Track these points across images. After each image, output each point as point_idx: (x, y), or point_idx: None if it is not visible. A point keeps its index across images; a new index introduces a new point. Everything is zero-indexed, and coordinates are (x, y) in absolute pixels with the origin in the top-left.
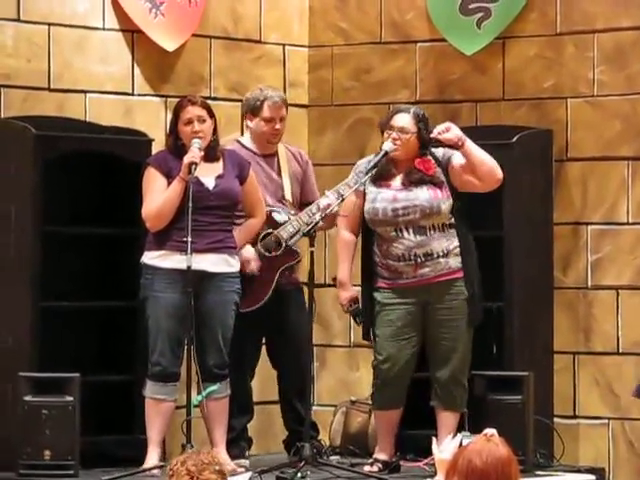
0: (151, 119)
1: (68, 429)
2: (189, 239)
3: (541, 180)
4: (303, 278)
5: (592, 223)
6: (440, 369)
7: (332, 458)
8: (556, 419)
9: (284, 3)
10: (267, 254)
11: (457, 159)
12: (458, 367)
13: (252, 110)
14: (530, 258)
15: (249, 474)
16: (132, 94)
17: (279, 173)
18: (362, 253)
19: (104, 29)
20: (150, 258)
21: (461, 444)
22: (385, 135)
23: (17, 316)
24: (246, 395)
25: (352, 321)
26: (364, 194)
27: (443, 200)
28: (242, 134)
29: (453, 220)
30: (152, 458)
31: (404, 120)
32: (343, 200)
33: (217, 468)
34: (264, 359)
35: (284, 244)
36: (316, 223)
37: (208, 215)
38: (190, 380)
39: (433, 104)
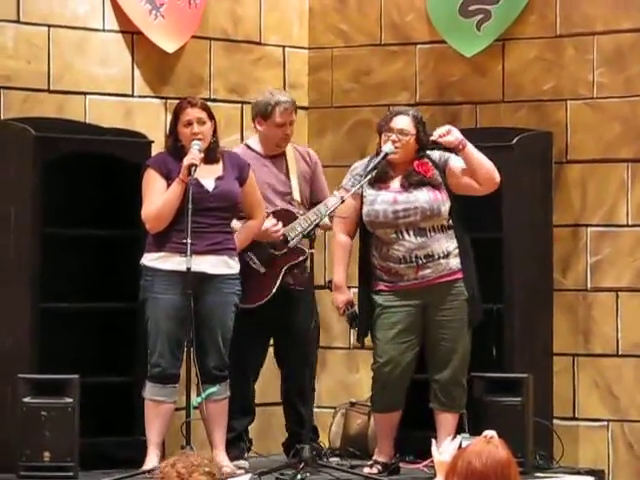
0: (151, 121)
1: (67, 431)
2: (189, 241)
3: (541, 182)
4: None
5: (592, 225)
6: (440, 370)
7: (332, 460)
8: (555, 421)
9: (284, 5)
10: (272, 252)
11: (455, 162)
12: (458, 367)
13: (262, 115)
14: (530, 260)
15: (248, 476)
16: (132, 96)
17: (287, 174)
18: (360, 256)
19: (104, 31)
20: (150, 260)
21: (460, 446)
22: (384, 137)
23: (16, 317)
24: (249, 396)
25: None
26: (361, 197)
27: (443, 202)
28: (242, 136)
29: (451, 222)
30: (151, 460)
31: (404, 122)
32: (343, 202)
33: (207, 469)
34: (267, 360)
35: (290, 243)
36: (316, 224)
37: (208, 217)
38: (190, 382)
39: (433, 106)
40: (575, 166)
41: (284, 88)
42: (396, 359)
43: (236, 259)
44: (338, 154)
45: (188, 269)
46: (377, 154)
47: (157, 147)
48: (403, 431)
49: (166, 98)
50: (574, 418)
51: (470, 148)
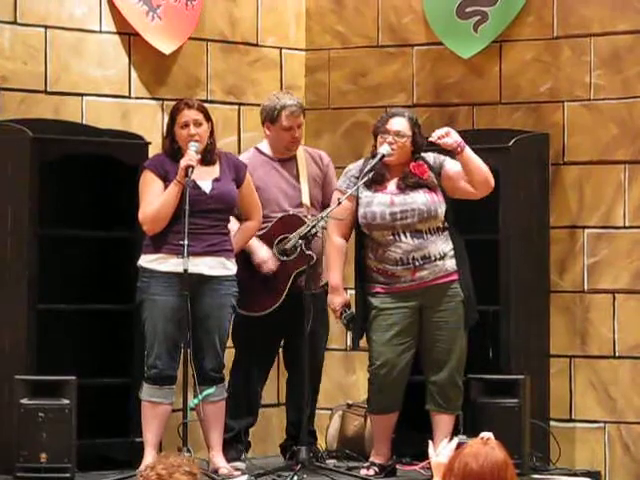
0: (148, 122)
1: (65, 432)
2: (186, 242)
3: (538, 184)
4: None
5: (589, 227)
6: (437, 371)
7: (328, 462)
8: (552, 422)
9: (281, 6)
10: (282, 258)
11: (451, 165)
12: (455, 369)
13: (270, 119)
14: (527, 262)
15: (245, 477)
16: (129, 97)
17: (297, 177)
18: (355, 258)
19: (101, 32)
20: (147, 261)
21: (457, 447)
22: (380, 139)
23: (13, 318)
24: (254, 398)
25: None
26: (357, 199)
27: (439, 204)
28: (239, 138)
29: (446, 223)
30: (148, 461)
31: (400, 124)
32: (340, 204)
33: (187, 469)
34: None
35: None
36: (312, 227)
37: (205, 218)
38: (186, 383)
39: (430, 108)
40: (572, 168)
41: (281, 90)
42: (392, 361)
43: (233, 260)
44: (335, 155)
45: (185, 271)
46: (373, 156)
47: (154, 149)
48: (400, 433)
49: (163, 99)
50: (571, 420)
51: (468, 151)
